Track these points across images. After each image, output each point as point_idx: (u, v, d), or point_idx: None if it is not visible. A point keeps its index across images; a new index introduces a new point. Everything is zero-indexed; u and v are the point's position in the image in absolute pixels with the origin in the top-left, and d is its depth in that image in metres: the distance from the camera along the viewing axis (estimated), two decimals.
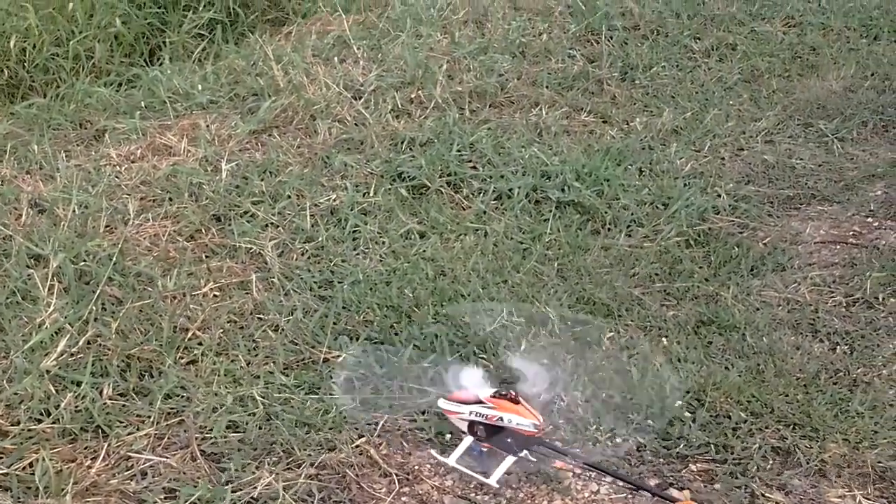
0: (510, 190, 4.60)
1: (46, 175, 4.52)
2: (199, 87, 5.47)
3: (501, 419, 3.08)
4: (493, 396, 3.12)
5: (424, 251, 4.18)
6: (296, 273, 3.98)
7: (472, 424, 3.14)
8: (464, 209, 4.53)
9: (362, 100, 5.30)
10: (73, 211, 4.15)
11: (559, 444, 3.22)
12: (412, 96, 5.40)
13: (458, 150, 4.84)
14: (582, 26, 6.46)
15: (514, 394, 3.13)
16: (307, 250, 4.15)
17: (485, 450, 3.14)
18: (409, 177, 4.64)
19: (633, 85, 5.93)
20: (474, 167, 4.77)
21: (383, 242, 4.23)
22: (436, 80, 5.49)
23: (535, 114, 5.41)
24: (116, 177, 4.53)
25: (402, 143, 4.91)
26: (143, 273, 3.84)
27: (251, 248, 4.09)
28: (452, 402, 3.18)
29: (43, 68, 5.75)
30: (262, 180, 4.53)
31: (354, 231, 4.29)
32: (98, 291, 3.63)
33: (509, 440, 3.11)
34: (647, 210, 4.62)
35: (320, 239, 4.20)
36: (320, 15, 6.58)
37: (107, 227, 4.11)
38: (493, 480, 3.05)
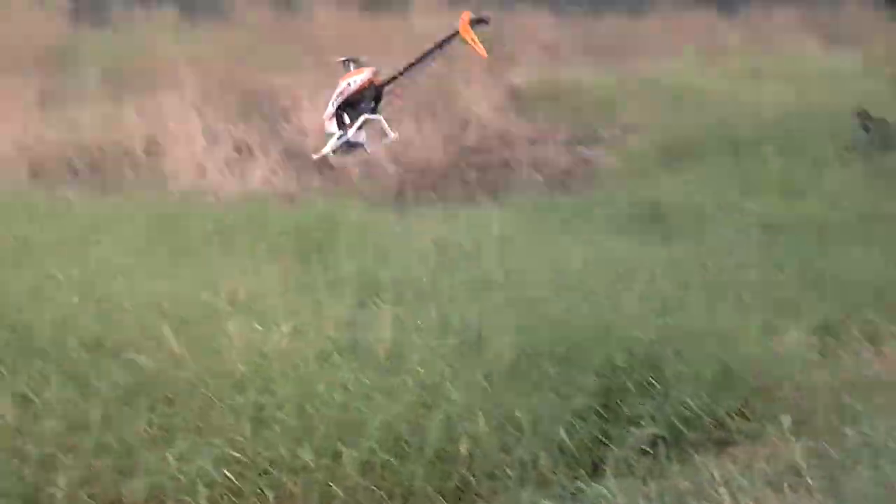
0: None
1: None
2: None
3: (349, 84, 4.09)
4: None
5: None
6: None
7: (337, 116, 4.13)
8: None
9: None
10: None
11: None
12: None
13: None
14: None
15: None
16: None
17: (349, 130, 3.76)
18: None
19: None
20: None
21: None
22: None
23: None
24: None
25: None
26: None
27: None
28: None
29: (489, 474, 5.85)
30: None
31: None
32: None
33: (362, 104, 4.12)
34: None
35: None
36: (768, 438, 6.31)
37: None
38: (350, 136, 4.11)
